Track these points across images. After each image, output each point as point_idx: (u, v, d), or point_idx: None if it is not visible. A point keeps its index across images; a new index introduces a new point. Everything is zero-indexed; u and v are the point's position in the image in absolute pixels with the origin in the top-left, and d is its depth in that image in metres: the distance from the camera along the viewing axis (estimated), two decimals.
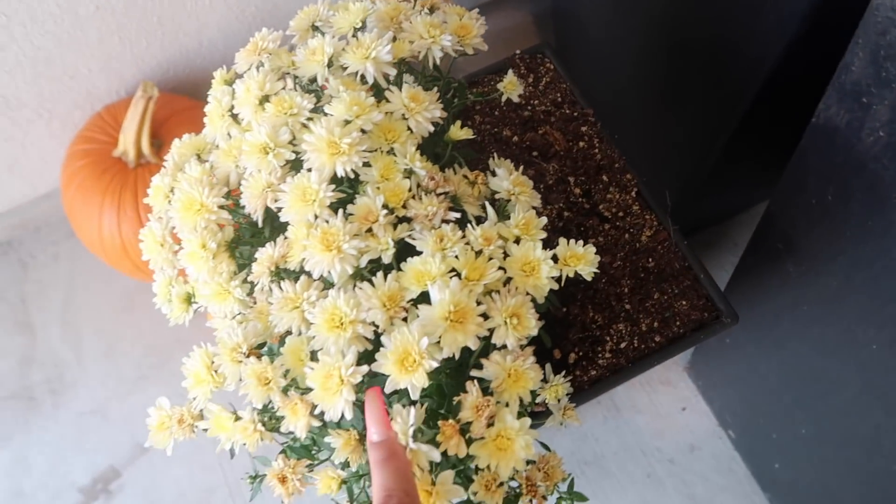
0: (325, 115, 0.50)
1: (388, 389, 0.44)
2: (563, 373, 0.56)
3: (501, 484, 0.46)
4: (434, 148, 0.57)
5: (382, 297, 0.46)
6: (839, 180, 0.57)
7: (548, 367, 0.54)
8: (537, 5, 1.34)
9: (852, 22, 0.48)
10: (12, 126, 1.11)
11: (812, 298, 0.70)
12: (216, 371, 0.47)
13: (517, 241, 0.50)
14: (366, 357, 0.46)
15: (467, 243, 0.49)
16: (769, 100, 0.75)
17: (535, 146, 0.70)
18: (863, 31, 0.47)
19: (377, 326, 0.46)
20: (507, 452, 0.45)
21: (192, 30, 1.13)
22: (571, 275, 0.51)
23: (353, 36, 0.53)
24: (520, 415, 0.46)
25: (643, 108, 1.00)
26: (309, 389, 0.45)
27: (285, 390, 0.46)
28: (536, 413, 0.54)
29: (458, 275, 0.47)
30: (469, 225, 0.50)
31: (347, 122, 0.49)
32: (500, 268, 0.49)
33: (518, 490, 0.48)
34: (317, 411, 0.45)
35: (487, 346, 0.47)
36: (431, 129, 0.51)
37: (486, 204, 0.52)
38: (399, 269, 0.48)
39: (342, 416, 0.44)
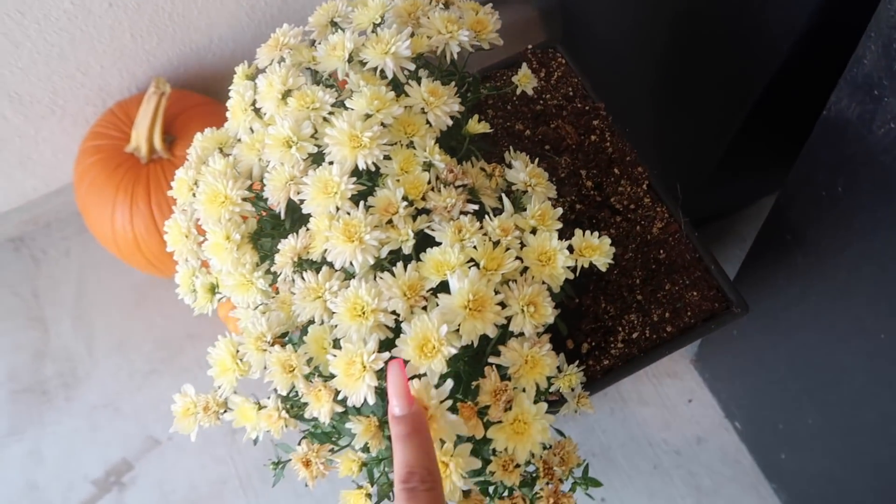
0: (346, 109, 0.51)
1: (407, 374, 0.45)
2: (577, 362, 0.57)
3: (518, 466, 0.47)
4: (449, 141, 0.58)
5: (403, 286, 0.47)
6: (849, 172, 0.58)
7: (561, 356, 0.55)
8: (544, 0, 1.35)
9: (863, 15, 0.49)
10: (25, 122, 1.13)
11: (820, 289, 0.71)
12: (241, 359, 0.48)
13: (533, 231, 0.52)
14: (387, 345, 0.47)
15: (485, 234, 0.50)
16: (778, 94, 0.76)
17: (547, 140, 0.71)
18: (875, 25, 0.48)
19: (398, 315, 0.47)
20: (524, 436, 0.46)
21: (203, 26, 1.14)
22: (586, 265, 0.52)
23: (373, 31, 0.54)
24: (536, 400, 0.47)
25: (651, 101, 1.01)
26: (332, 376, 0.46)
27: (308, 377, 0.47)
28: (550, 402, 0.55)
29: (477, 265, 0.48)
30: (486, 216, 0.51)
31: (368, 116, 0.50)
32: (517, 258, 0.50)
33: (535, 474, 0.49)
34: (339, 397, 0.46)
35: (504, 334, 0.49)
36: (450, 122, 0.52)
37: (503, 196, 0.53)
38: (418, 260, 0.49)
39: (364, 401, 0.45)
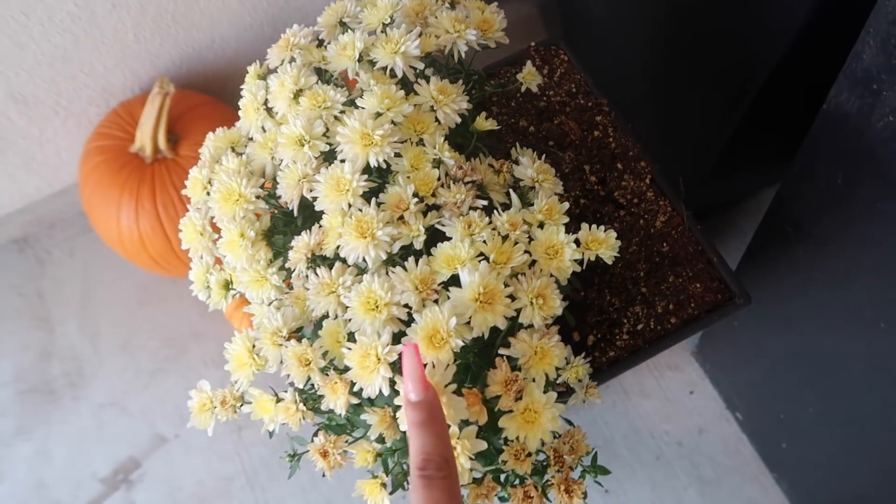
0: (357, 108, 0.52)
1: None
2: (583, 354, 0.58)
3: (529, 454, 0.48)
4: (455, 138, 0.59)
5: (415, 280, 0.48)
6: (849, 165, 0.59)
7: (568, 348, 0.57)
8: None
9: (862, 11, 0.50)
10: (29, 123, 1.13)
11: (820, 280, 0.72)
12: (258, 354, 0.49)
13: (541, 226, 0.53)
14: (400, 337, 0.48)
15: (494, 229, 0.51)
16: (778, 88, 0.77)
17: (551, 136, 0.72)
18: (874, 21, 0.49)
19: (410, 308, 0.48)
20: (534, 425, 0.47)
21: (205, 26, 1.14)
22: (593, 258, 0.53)
23: (382, 31, 0.55)
24: (545, 390, 0.49)
25: (651, 96, 1.03)
26: (346, 369, 0.48)
27: (324, 371, 0.48)
28: (558, 394, 0.56)
29: (487, 258, 0.49)
30: (495, 211, 0.52)
31: (379, 115, 0.51)
32: (526, 251, 0.51)
33: (545, 462, 0.51)
34: (355, 389, 0.47)
35: (514, 326, 0.50)
36: (459, 120, 0.53)
37: (511, 191, 0.54)
38: (429, 255, 0.50)
39: (378, 393, 0.47)
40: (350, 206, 0.50)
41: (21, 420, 1.21)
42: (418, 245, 0.50)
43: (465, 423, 0.47)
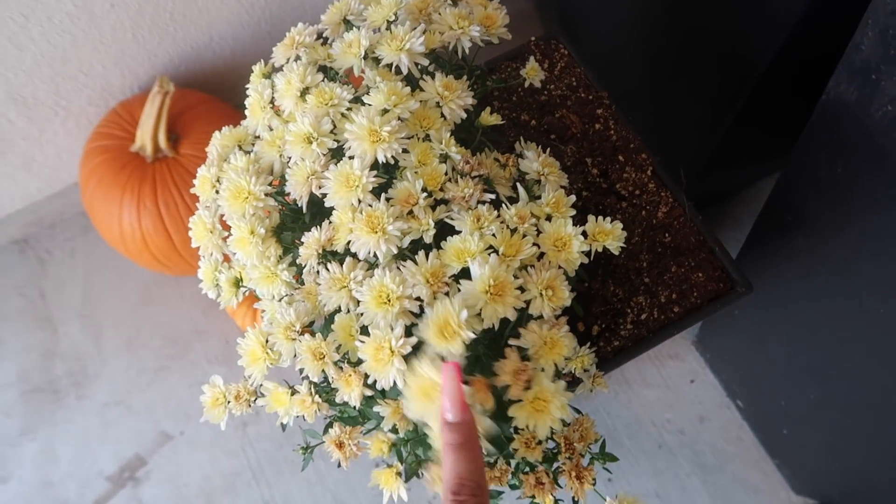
0: (363, 105, 0.52)
1: (429, 354, 0.47)
2: (588, 344, 0.59)
3: (540, 442, 0.49)
4: (460, 133, 0.60)
5: (426, 273, 0.49)
6: (848, 154, 0.60)
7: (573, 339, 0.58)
8: None
9: (860, 3, 0.51)
10: (29, 124, 1.13)
11: (820, 268, 0.73)
12: (271, 349, 0.50)
13: (548, 218, 0.54)
14: (412, 330, 0.49)
15: (503, 222, 0.52)
16: (777, 79, 0.78)
17: (552, 129, 0.73)
18: (872, 12, 0.50)
19: (422, 301, 0.49)
20: (544, 413, 0.48)
21: (203, 24, 1.14)
22: (600, 249, 0.54)
23: (387, 29, 0.56)
24: (553, 380, 0.50)
25: (651, 88, 1.03)
26: (360, 362, 0.48)
27: (338, 364, 0.49)
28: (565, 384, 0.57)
29: (496, 251, 0.50)
30: (503, 205, 0.53)
31: (386, 111, 0.51)
32: (534, 244, 0.52)
33: (555, 450, 0.52)
34: (369, 381, 0.48)
35: (523, 317, 0.51)
36: (464, 115, 0.54)
37: (518, 185, 0.55)
38: (439, 248, 0.51)
39: (392, 385, 0.47)
40: (360, 201, 0.51)
41: (26, 420, 1.21)
42: (428, 239, 0.51)
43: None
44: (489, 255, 0.50)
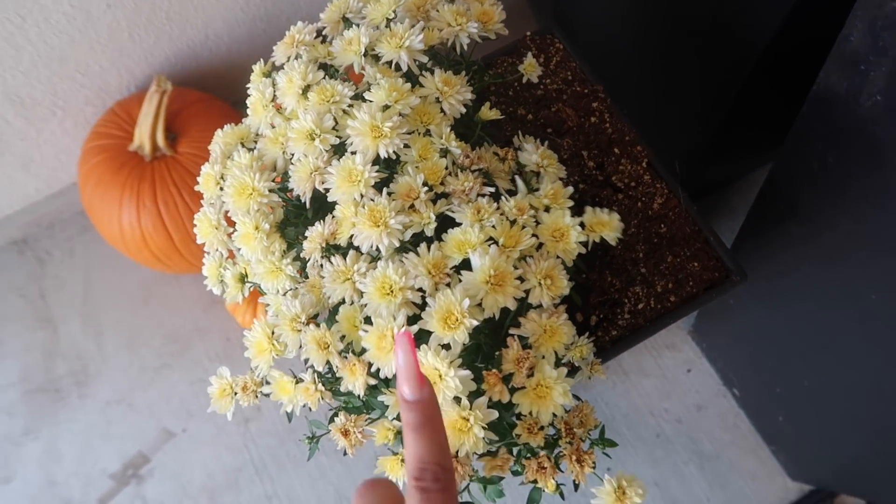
0: (365, 101, 0.53)
1: (431, 344, 0.48)
2: (587, 334, 0.60)
3: (542, 428, 0.50)
4: (459, 128, 0.61)
5: (428, 265, 0.50)
6: (840, 143, 0.61)
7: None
8: None
9: None
10: (27, 125, 1.14)
11: (814, 256, 0.74)
12: (277, 340, 0.51)
13: (547, 209, 0.55)
14: (414, 320, 0.50)
15: (502, 214, 0.53)
16: (769, 71, 0.79)
17: (549, 123, 0.74)
18: (861, 4, 0.51)
19: (424, 292, 0.50)
20: (546, 399, 0.50)
21: (199, 23, 1.15)
22: (598, 240, 0.55)
23: (386, 26, 0.57)
24: (556, 366, 0.51)
25: (645, 81, 1.04)
26: (363, 351, 0.49)
27: (342, 353, 0.50)
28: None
29: (496, 242, 0.51)
30: (502, 197, 0.54)
31: (387, 108, 0.52)
32: (533, 235, 0.53)
33: (556, 436, 0.53)
34: (372, 370, 0.49)
35: (523, 306, 0.52)
36: (463, 110, 0.55)
37: (517, 177, 0.56)
38: (440, 241, 0.52)
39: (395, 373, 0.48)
40: (362, 196, 0.52)
41: (29, 420, 1.22)
42: (429, 232, 0.52)
43: (476, 395, 0.49)
44: (489, 246, 0.51)
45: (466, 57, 0.61)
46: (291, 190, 0.55)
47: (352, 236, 0.52)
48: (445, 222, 0.53)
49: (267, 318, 0.55)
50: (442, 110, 0.55)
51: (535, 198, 0.54)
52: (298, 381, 0.51)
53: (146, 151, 1.10)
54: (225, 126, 0.60)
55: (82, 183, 1.14)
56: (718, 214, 1.24)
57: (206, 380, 0.55)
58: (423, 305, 0.50)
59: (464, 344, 0.49)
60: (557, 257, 0.53)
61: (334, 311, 0.53)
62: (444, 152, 0.54)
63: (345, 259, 0.52)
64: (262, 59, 0.60)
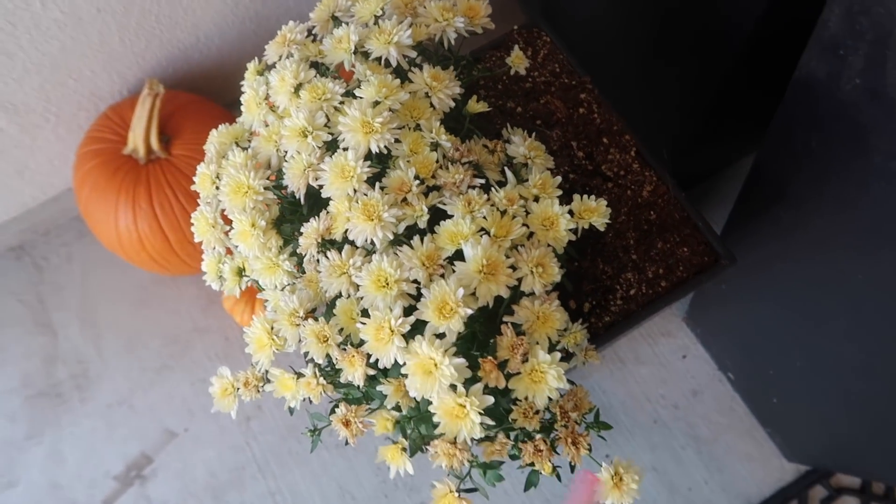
0: (355, 98, 0.54)
1: (427, 333, 0.49)
2: (580, 321, 0.61)
3: (538, 412, 0.52)
4: (449, 122, 0.62)
5: (422, 256, 0.51)
6: (822, 127, 0.62)
7: (566, 316, 0.60)
8: None
9: None
10: (21, 132, 1.14)
11: (801, 239, 0.76)
12: (277, 335, 0.52)
13: (536, 199, 0.56)
14: (410, 311, 0.51)
15: (492, 205, 0.54)
16: (752, 58, 0.80)
17: (538, 115, 0.75)
18: None
19: (419, 283, 0.51)
20: (541, 384, 0.51)
21: (189, 25, 1.16)
22: (586, 227, 0.57)
23: (375, 23, 0.58)
24: (549, 352, 0.52)
25: (632, 72, 1.06)
26: (362, 343, 0.51)
27: (341, 346, 0.51)
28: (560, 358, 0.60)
29: (487, 233, 0.53)
30: (492, 188, 0.55)
31: (377, 103, 0.54)
32: (524, 224, 0.54)
33: (552, 420, 0.54)
34: (371, 361, 0.50)
35: (516, 294, 0.53)
36: (452, 104, 0.56)
37: (506, 169, 0.57)
38: (433, 233, 0.53)
39: (393, 365, 0.50)
40: (355, 191, 0.53)
41: (31, 424, 1.23)
42: (422, 224, 0.53)
43: (471, 382, 0.50)
44: (481, 236, 0.52)
45: (454, 52, 0.62)
46: (286, 187, 0.56)
47: (346, 231, 0.53)
48: (438, 214, 0.54)
49: (266, 313, 0.56)
50: (431, 105, 0.56)
51: (524, 188, 0.56)
52: (300, 376, 0.52)
53: (140, 154, 1.11)
54: (219, 126, 0.61)
55: (77, 188, 1.15)
56: (710, 202, 1.26)
57: (206, 379, 0.56)
58: (418, 296, 0.51)
59: (459, 333, 0.50)
60: (548, 245, 0.54)
61: (331, 304, 0.54)
62: (435, 146, 0.55)
63: (340, 253, 0.53)
64: (256, 59, 0.61)
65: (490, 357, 0.50)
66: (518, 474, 0.54)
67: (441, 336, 0.49)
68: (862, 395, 0.84)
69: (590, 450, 0.53)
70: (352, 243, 0.53)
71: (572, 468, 0.52)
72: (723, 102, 0.89)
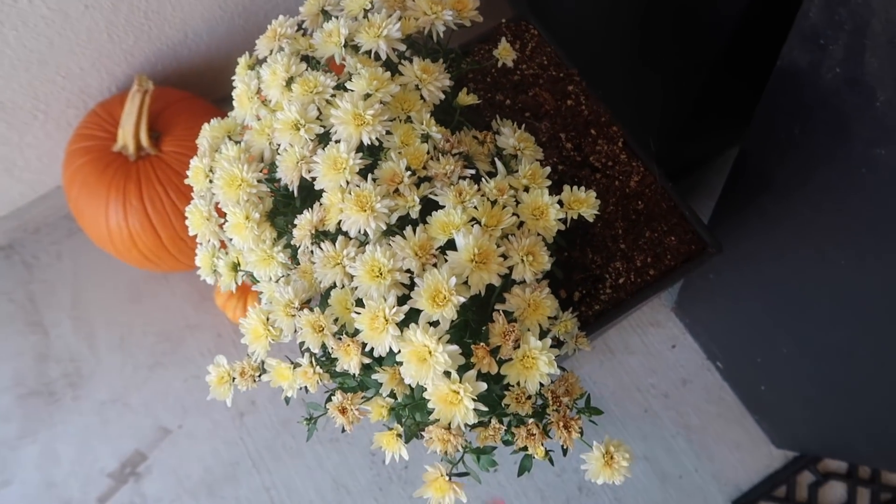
0: (347, 91, 0.55)
1: (421, 322, 0.50)
2: (571, 309, 0.62)
3: (529, 397, 0.53)
4: (439, 114, 0.63)
5: (414, 246, 0.52)
6: (804, 116, 0.64)
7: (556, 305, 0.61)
8: None
9: None
10: (9, 130, 1.14)
11: (786, 227, 0.77)
12: (272, 326, 0.53)
13: (526, 189, 0.57)
14: (404, 301, 0.52)
15: (483, 195, 0.55)
16: (736, 49, 0.82)
17: (526, 107, 0.76)
18: None
19: (412, 273, 0.52)
20: (532, 370, 0.52)
21: (178, 21, 1.16)
22: (576, 217, 0.58)
23: (364, 17, 0.58)
24: (540, 338, 0.53)
25: (616, 64, 1.07)
26: (357, 332, 0.51)
27: (336, 335, 0.52)
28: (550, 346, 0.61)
29: (478, 222, 0.53)
30: (483, 179, 0.56)
31: (368, 96, 0.54)
32: (514, 214, 0.55)
33: (544, 405, 0.55)
34: (366, 350, 0.51)
35: (507, 282, 0.54)
36: (442, 97, 0.57)
37: (496, 160, 0.58)
38: (425, 223, 0.54)
39: (388, 353, 0.51)
40: (348, 182, 0.53)
41: (24, 423, 1.23)
42: (414, 215, 0.54)
43: (465, 368, 0.51)
44: (472, 226, 0.53)
45: (444, 45, 0.63)
46: (279, 180, 0.57)
47: (340, 222, 0.54)
48: (429, 205, 0.55)
49: (261, 305, 0.56)
50: (422, 97, 0.57)
51: (514, 178, 0.57)
52: (296, 365, 0.53)
53: (130, 151, 1.11)
54: (212, 120, 0.62)
55: (67, 185, 1.14)
56: (699, 193, 1.27)
57: (199, 376, 0.56)
58: (411, 286, 0.52)
59: (452, 320, 0.51)
60: (538, 235, 0.55)
61: (326, 295, 0.55)
62: (426, 138, 0.56)
63: (334, 244, 0.53)
64: (247, 53, 0.61)
65: (483, 344, 0.51)
66: (512, 465, 0.55)
67: (435, 324, 0.50)
68: (847, 380, 0.86)
69: (581, 433, 0.54)
70: (345, 234, 0.54)
71: (564, 452, 0.54)
72: (708, 93, 0.90)
